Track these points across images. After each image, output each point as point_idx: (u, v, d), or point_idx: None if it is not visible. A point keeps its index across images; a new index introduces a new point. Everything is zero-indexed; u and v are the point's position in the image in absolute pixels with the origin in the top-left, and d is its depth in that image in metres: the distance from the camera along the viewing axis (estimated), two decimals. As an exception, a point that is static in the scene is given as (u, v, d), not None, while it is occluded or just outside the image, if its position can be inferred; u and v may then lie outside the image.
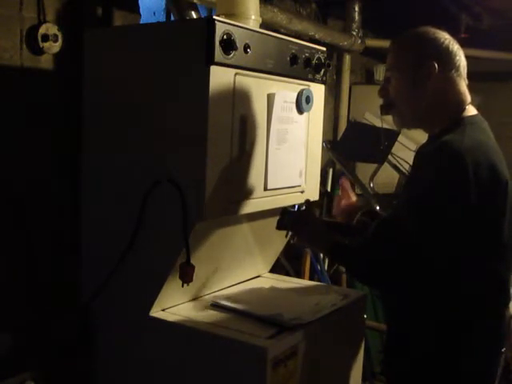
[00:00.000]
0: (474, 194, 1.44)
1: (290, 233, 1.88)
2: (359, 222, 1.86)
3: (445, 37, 1.61)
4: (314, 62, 1.95)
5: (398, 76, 1.64)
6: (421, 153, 1.64)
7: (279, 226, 1.87)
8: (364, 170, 3.55)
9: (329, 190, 3.68)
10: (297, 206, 1.88)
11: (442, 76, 1.58)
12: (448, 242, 1.45)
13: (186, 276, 1.67)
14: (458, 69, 1.60)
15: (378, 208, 2.86)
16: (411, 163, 1.75)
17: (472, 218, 1.46)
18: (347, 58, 3.74)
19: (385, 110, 1.71)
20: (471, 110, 1.61)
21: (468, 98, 1.62)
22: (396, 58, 1.65)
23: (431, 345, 1.54)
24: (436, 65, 1.57)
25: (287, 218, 1.86)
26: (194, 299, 1.91)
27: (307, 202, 1.90)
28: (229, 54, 1.62)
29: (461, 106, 1.60)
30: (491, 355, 1.60)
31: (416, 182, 1.55)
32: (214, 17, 1.60)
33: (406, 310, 1.59)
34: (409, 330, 1.59)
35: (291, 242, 1.90)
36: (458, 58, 1.60)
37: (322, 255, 3.20)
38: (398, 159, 3.29)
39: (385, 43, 3.72)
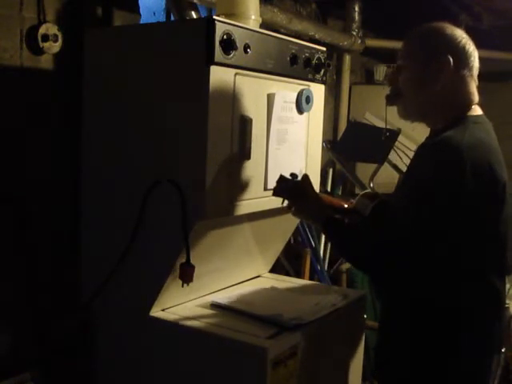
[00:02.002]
0: (471, 191, 1.43)
1: (285, 201, 1.82)
2: (359, 203, 1.83)
3: (462, 36, 1.59)
4: (314, 62, 1.95)
5: (410, 67, 1.61)
6: (421, 145, 1.63)
7: (276, 193, 1.81)
8: (364, 169, 3.54)
9: (329, 189, 3.68)
10: (295, 175, 1.83)
11: (454, 73, 1.56)
12: (446, 240, 1.45)
13: (186, 276, 1.67)
14: (471, 69, 1.58)
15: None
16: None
17: (468, 216, 1.46)
18: (347, 58, 3.74)
19: (391, 100, 1.68)
20: (477, 110, 1.60)
21: (476, 98, 1.61)
22: (411, 48, 1.62)
23: (429, 345, 1.54)
24: (451, 60, 1.55)
25: (285, 185, 1.80)
26: (194, 299, 1.91)
27: (304, 175, 1.84)
28: (229, 53, 1.62)
29: (467, 106, 1.59)
30: (491, 355, 1.60)
31: (415, 176, 1.54)
32: (214, 17, 1.60)
33: (405, 309, 1.58)
34: (406, 330, 1.58)
35: (284, 207, 1.84)
36: (472, 58, 1.58)
37: (322, 255, 3.20)
38: (398, 159, 3.29)
39: (385, 43, 3.76)
